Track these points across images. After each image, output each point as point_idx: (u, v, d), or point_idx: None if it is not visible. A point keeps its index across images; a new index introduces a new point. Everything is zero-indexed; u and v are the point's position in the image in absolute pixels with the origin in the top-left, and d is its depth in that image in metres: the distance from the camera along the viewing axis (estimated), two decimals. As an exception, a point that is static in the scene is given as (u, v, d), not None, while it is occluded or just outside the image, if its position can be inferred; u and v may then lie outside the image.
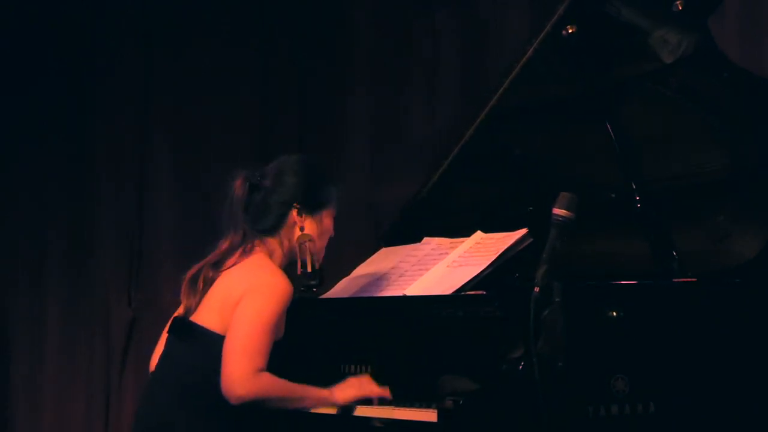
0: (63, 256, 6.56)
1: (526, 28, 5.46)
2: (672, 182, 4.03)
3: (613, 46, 4.03)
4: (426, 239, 4.16)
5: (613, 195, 3.98)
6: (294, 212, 3.78)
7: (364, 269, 4.23)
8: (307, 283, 4.29)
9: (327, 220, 3.83)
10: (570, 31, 3.88)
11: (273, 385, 3.59)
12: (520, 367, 3.30)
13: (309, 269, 3.79)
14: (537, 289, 3.16)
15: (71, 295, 6.54)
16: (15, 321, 6.57)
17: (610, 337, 3.44)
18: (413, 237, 4.23)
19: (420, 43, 6.00)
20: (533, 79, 4.01)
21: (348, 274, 4.26)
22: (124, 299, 6.42)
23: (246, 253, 3.75)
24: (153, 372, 3.80)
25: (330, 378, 3.77)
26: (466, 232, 3.99)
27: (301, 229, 3.78)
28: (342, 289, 4.17)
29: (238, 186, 3.81)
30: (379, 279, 4.06)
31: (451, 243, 4.02)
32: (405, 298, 3.83)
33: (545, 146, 4.30)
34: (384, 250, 4.31)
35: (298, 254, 3.78)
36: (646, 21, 3.95)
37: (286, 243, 3.78)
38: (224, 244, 3.78)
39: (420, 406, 3.49)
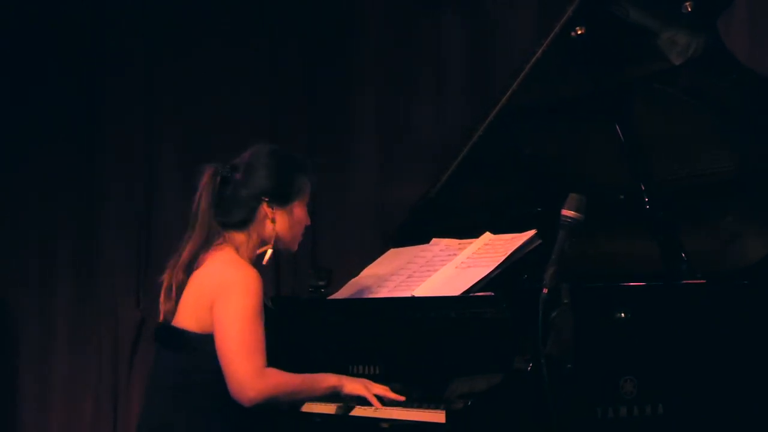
0: (71, 256, 6.57)
1: (533, 28, 5.46)
2: (680, 183, 4.03)
3: (622, 47, 4.03)
4: (434, 240, 4.15)
5: (622, 196, 3.97)
6: (264, 206, 3.72)
7: (372, 270, 4.23)
8: (315, 284, 4.31)
9: (298, 210, 3.76)
10: (579, 32, 3.88)
11: (282, 380, 3.57)
12: (529, 368, 3.30)
13: (267, 262, 3.75)
14: (545, 291, 3.16)
15: (80, 295, 6.55)
16: (24, 321, 6.58)
17: (619, 339, 3.44)
18: (422, 238, 4.23)
19: (427, 43, 6.00)
20: (542, 79, 4.01)
21: (356, 274, 4.26)
22: (132, 300, 6.42)
23: (212, 247, 3.70)
24: (147, 379, 3.81)
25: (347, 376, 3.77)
26: (475, 233, 3.99)
27: (272, 221, 3.72)
28: (350, 289, 4.17)
29: (207, 179, 3.77)
30: (387, 280, 4.06)
31: (459, 244, 4.02)
32: (413, 299, 3.83)
33: (554, 147, 4.30)
34: (392, 251, 4.31)
35: (267, 245, 3.74)
36: (655, 22, 3.95)
37: (254, 236, 3.73)
38: (190, 242, 3.73)
39: (429, 407, 3.49)
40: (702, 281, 3.67)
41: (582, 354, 3.23)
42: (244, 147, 6.16)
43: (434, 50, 5.98)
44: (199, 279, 3.67)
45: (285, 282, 6.21)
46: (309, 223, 3.83)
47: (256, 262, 3.73)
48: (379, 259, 4.29)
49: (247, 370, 3.52)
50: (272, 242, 3.74)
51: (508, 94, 4.06)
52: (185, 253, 3.72)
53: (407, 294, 3.87)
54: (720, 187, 4.02)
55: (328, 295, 4.24)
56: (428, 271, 3.95)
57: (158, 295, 3.78)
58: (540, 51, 3.94)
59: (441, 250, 4.05)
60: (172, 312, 3.70)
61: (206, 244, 3.70)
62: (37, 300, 6.58)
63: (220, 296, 3.59)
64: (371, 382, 3.66)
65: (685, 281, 3.69)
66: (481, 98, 5.64)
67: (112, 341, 6.45)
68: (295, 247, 3.82)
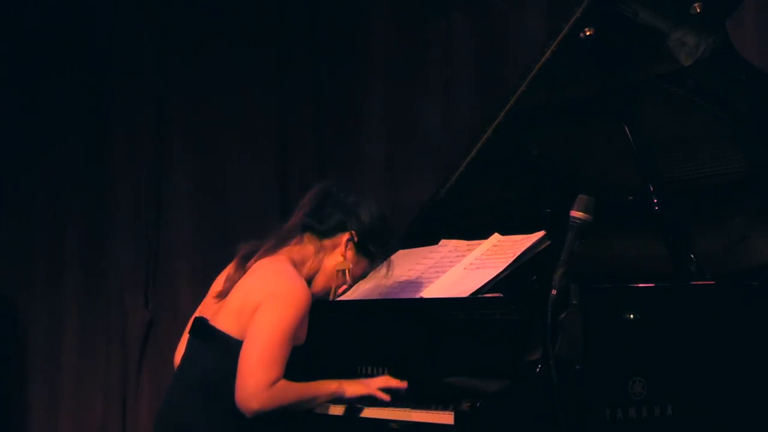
0: (80, 257, 6.57)
1: (541, 28, 5.45)
2: (689, 184, 4.03)
3: (631, 48, 4.02)
4: (443, 241, 4.15)
5: (631, 197, 3.97)
6: (347, 235, 3.79)
7: (380, 271, 4.22)
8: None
9: (360, 267, 3.84)
10: (588, 33, 3.88)
11: (286, 393, 3.58)
12: (538, 369, 3.30)
13: (331, 296, 3.82)
14: (554, 292, 3.15)
15: (88, 296, 6.55)
16: (32, 322, 6.59)
17: (628, 340, 3.44)
18: (430, 239, 4.23)
19: (436, 43, 6.00)
20: (551, 80, 4.01)
21: (365, 276, 4.26)
22: (141, 301, 6.43)
23: (274, 250, 3.74)
24: (175, 373, 3.81)
25: (347, 379, 3.77)
26: (484, 234, 3.99)
27: (343, 255, 3.79)
28: (359, 290, 4.17)
29: (318, 188, 3.84)
30: (396, 281, 4.06)
31: (468, 245, 4.02)
32: (422, 300, 3.83)
33: (562, 148, 4.29)
34: (401, 252, 4.31)
35: (322, 275, 3.79)
36: (664, 23, 3.95)
37: (321, 256, 3.79)
38: (284, 228, 3.80)
39: (437, 408, 3.49)
40: (711, 282, 3.66)
41: (591, 355, 3.22)
42: (254, 150, 6.23)
43: (443, 51, 5.98)
44: (249, 285, 3.69)
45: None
46: (348, 283, 3.85)
47: None
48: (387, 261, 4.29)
49: (257, 382, 3.53)
50: (338, 276, 3.79)
51: (516, 95, 4.05)
52: (278, 234, 3.77)
53: (416, 295, 3.87)
54: (729, 188, 4.02)
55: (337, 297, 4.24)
56: (437, 272, 3.95)
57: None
58: (549, 52, 3.93)
59: (450, 252, 4.05)
60: (228, 290, 3.72)
61: (284, 239, 3.74)
62: (46, 301, 6.58)
63: (265, 304, 3.61)
64: (371, 379, 3.68)
65: (694, 282, 3.69)
66: (490, 99, 5.63)
67: (121, 342, 6.45)
68: (331, 294, 3.85)
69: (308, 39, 6.34)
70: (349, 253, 3.80)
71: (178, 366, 3.81)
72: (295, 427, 3.80)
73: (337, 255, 3.79)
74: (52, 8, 6.52)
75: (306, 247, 3.79)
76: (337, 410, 3.72)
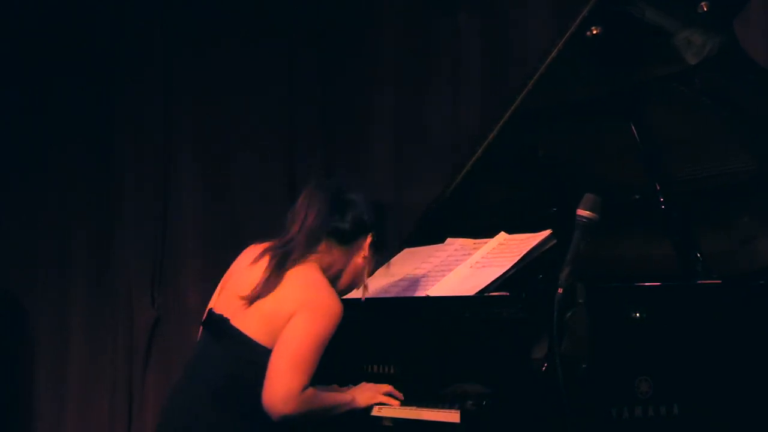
0: (87, 256, 6.58)
1: (549, 28, 5.45)
2: (696, 183, 4.03)
3: (638, 47, 4.02)
4: (449, 240, 4.15)
5: (638, 196, 3.97)
6: (369, 237, 3.80)
7: (386, 270, 4.22)
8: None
9: (374, 263, 3.86)
10: (594, 32, 3.88)
11: (313, 400, 3.58)
12: (544, 368, 3.30)
13: (362, 296, 3.84)
14: (560, 291, 3.15)
15: (95, 295, 6.56)
16: (39, 321, 6.59)
17: (634, 339, 3.43)
18: (436, 238, 4.23)
19: (443, 44, 6.00)
20: (557, 80, 4.00)
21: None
22: (148, 300, 6.43)
23: (304, 257, 3.72)
24: (186, 369, 3.76)
25: (353, 378, 3.78)
26: (490, 233, 3.99)
27: (366, 256, 3.81)
28: (365, 289, 4.16)
29: (320, 200, 3.79)
30: (402, 279, 4.06)
31: (474, 244, 4.02)
32: (428, 298, 3.84)
33: (569, 147, 4.29)
34: (407, 251, 4.31)
35: (348, 275, 3.82)
36: (671, 22, 3.94)
37: (348, 257, 3.80)
38: (307, 231, 3.75)
39: (443, 407, 3.49)
40: (718, 281, 3.66)
41: (597, 354, 3.23)
42: (262, 148, 6.23)
43: (450, 51, 5.98)
44: (283, 293, 3.65)
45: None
46: (358, 284, 3.86)
47: None
48: (393, 259, 4.29)
49: (289, 386, 3.52)
50: (362, 271, 3.81)
51: (522, 94, 4.05)
52: (288, 236, 3.73)
53: (422, 294, 3.87)
54: (736, 187, 4.01)
55: (343, 295, 4.24)
56: (443, 270, 3.95)
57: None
58: (555, 51, 3.93)
59: (456, 250, 4.05)
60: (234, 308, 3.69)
61: (307, 249, 3.72)
62: (53, 299, 6.59)
63: (300, 314, 3.60)
64: (376, 385, 3.70)
65: (700, 281, 3.69)
66: (497, 99, 5.63)
67: (127, 340, 6.46)
68: (345, 291, 3.85)
69: (316, 38, 6.34)
70: (370, 253, 3.82)
71: (192, 364, 3.75)
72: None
73: (360, 256, 3.80)
74: (58, 8, 6.53)
75: (333, 253, 3.77)
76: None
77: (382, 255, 3.91)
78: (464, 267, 3.89)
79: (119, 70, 6.56)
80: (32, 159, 6.61)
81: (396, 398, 3.66)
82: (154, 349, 6.38)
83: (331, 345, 3.73)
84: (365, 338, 3.97)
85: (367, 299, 4.04)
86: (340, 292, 3.78)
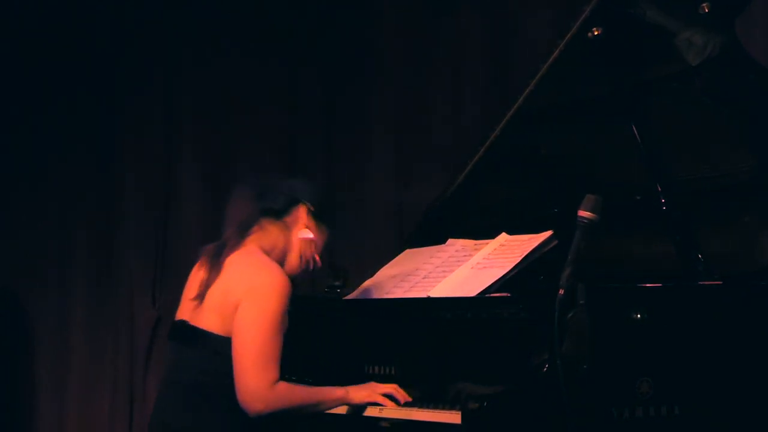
0: (89, 257, 6.59)
1: (552, 28, 5.45)
2: (698, 183, 4.02)
3: (639, 48, 4.02)
4: (450, 241, 4.15)
5: (639, 197, 3.96)
6: (303, 208, 3.84)
7: (388, 270, 4.23)
8: (331, 284, 4.32)
9: (320, 238, 3.88)
10: (596, 33, 3.87)
11: (290, 395, 3.60)
12: (545, 369, 3.30)
13: (309, 266, 3.84)
14: (561, 291, 3.15)
15: (96, 295, 6.57)
16: (41, 321, 6.61)
17: (635, 340, 3.43)
18: (438, 238, 4.23)
19: (445, 43, 6.00)
20: (559, 81, 4.00)
21: (372, 275, 4.26)
22: (148, 299, 6.44)
23: (241, 243, 3.74)
24: (162, 379, 3.81)
25: (354, 379, 3.77)
26: (491, 234, 3.98)
27: (305, 224, 3.83)
28: (366, 290, 4.17)
29: (244, 195, 3.86)
30: (403, 280, 4.06)
31: (475, 245, 4.02)
32: (429, 299, 3.83)
33: (570, 148, 4.29)
34: (408, 252, 4.31)
35: (292, 250, 3.82)
36: (672, 22, 3.94)
37: (286, 233, 3.83)
38: (240, 222, 3.81)
39: (444, 408, 3.49)
40: (719, 282, 3.65)
41: (598, 355, 3.23)
42: (264, 150, 6.23)
43: (452, 51, 5.98)
44: (226, 281, 3.69)
45: (301, 282, 6.21)
46: (319, 264, 3.90)
47: None
48: (395, 260, 4.29)
49: (259, 383, 3.55)
50: (303, 246, 3.82)
51: (524, 94, 4.05)
52: (231, 231, 3.78)
53: (423, 294, 3.87)
54: (738, 187, 4.01)
55: (344, 296, 4.24)
56: (444, 271, 3.95)
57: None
58: (557, 51, 3.93)
59: (457, 251, 4.05)
60: (208, 283, 3.73)
61: (244, 231, 3.75)
62: (55, 300, 6.60)
63: (247, 299, 3.61)
64: (377, 384, 3.69)
65: (701, 282, 3.68)
66: (498, 99, 5.63)
67: (128, 340, 6.47)
68: (298, 271, 3.86)
69: (317, 38, 6.34)
70: (311, 224, 3.84)
71: (165, 372, 3.80)
72: (298, 425, 3.80)
73: (300, 227, 3.82)
74: (61, 15, 6.55)
75: (270, 231, 3.80)
76: (342, 409, 3.72)
77: (325, 225, 3.91)
78: (465, 268, 3.88)
79: (121, 80, 6.59)
80: (34, 161, 6.63)
81: (395, 400, 3.64)
82: (155, 349, 6.39)
83: (331, 345, 3.74)
84: (366, 339, 3.97)
85: (367, 300, 4.05)
86: (293, 271, 3.80)
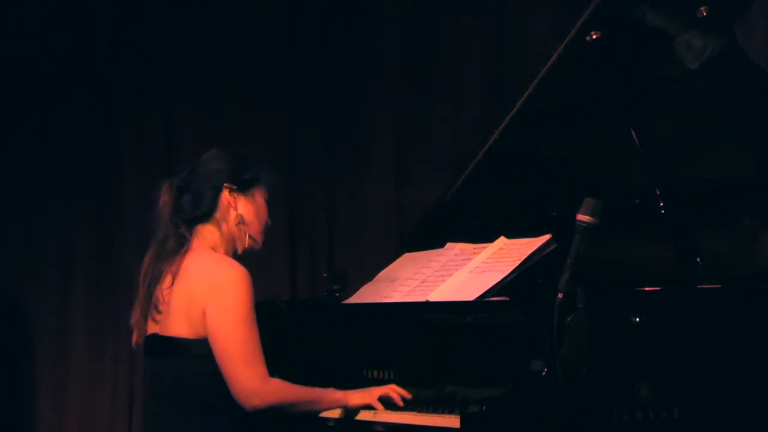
0: (89, 260, 6.60)
1: (552, 31, 5.44)
2: (697, 186, 4.02)
3: (638, 50, 4.01)
4: (449, 244, 4.14)
5: (638, 200, 3.96)
6: (226, 192, 3.73)
7: (386, 274, 4.22)
8: (330, 288, 4.31)
9: (260, 197, 3.79)
10: (594, 36, 3.87)
11: (286, 390, 3.59)
12: (544, 372, 3.29)
13: (240, 249, 3.74)
14: (560, 295, 3.15)
15: (96, 295, 6.58)
16: (41, 321, 6.61)
17: (634, 343, 3.43)
18: (436, 242, 4.22)
19: (445, 46, 5.99)
20: (558, 84, 4.00)
21: (371, 278, 4.25)
22: (149, 302, 6.43)
23: (187, 252, 3.67)
24: (144, 395, 3.78)
25: (353, 382, 3.77)
26: (490, 238, 3.98)
27: (235, 208, 3.73)
28: (364, 294, 4.17)
29: (165, 193, 3.76)
30: (401, 284, 4.05)
31: (474, 248, 4.01)
32: (428, 303, 3.83)
33: (569, 151, 4.28)
34: (406, 255, 4.30)
35: (237, 238, 3.74)
36: (671, 25, 3.93)
37: (224, 227, 3.73)
38: (153, 250, 3.74)
39: (443, 412, 3.48)
40: (717, 285, 3.65)
41: (597, 358, 3.23)
42: (263, 150, 6.21)
43: (452, 53, 5.97)
44: (187, 284, 3.63)
45: (300, 286, 6.22)
46: (269, 221, 3.81)
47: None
48: (393, 264, 4.29)
49: (250, 377, 3.53)
50: (242, 229, 3.73)
51: (523, 97, 4.05)
52: (148, 259, 3.72)
53: (421, 299, 3.87)
54: (738, 190, 4.01)
55: (343, 299, 4.24)
56: (442, 275, 3.94)
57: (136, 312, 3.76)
58: (555, 55, 3.93)
59: (455, 255, 4.04)
60: (159, 319, 3.69)
61: (174, 251, 3.68)
62: (55, 304, 6.60)
63: (213, 299, 3.57)
64: (375, 388, 3.67)
65: (700, 286, 3.68)
66: (498, 102, 5.63)
67: (128, 342, 6.45)
68: (260, 243, 3.79)
69: (318, 39, 6.33)
70: (240, 200, 3.75)
71: (145, 390, 3.77)
72: (282, 425, 3.79)
73: (232, 214, 3.73)
74: (61, 16, 6.56)
75: (207, 231, 3.72)
76: (336, 413, 3.71)
77: (262, 187, 3.80)
78: (464, 272, 3.88)
79: (122, 78, 6.60)
80: (35, 162, 6.64)
81: (392, 403, 3.63)
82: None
83: (330, 349, 3.73)
84: (365, 343, 3.96)
85: (366, 304, 4.05)
86: (254, 245, 3.76)
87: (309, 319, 4.14)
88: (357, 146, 6.22)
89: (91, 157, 6.63)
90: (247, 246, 3.76)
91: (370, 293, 4.13)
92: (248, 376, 3.53)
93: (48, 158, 6.64)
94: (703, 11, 3.87)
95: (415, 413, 3.56)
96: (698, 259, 3.72)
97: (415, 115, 6.08)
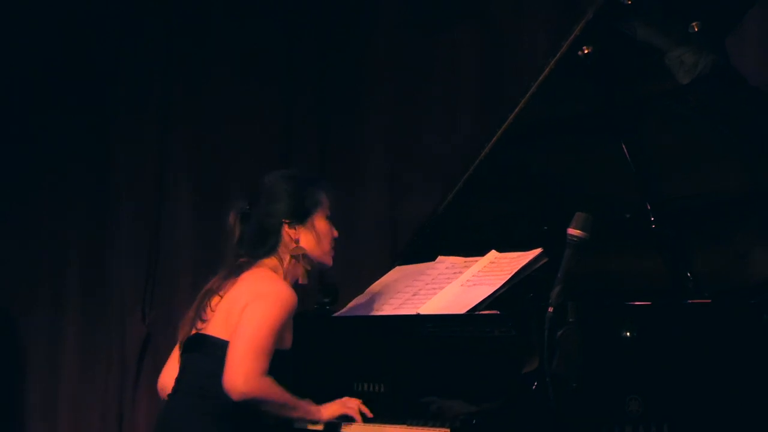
0: (80, 273, 6.59)
1: (545, 46, 5.45)
2: (689, 200, 4.02)
3: (630, 65, 4.02)
4: (440, 258, 4.15)
5: (628, 215, 3.96)
6: (285, 227, 3.84)
7: (377, 287, 4.22)
8: (321, 301, 4.31)
9: (320, 223, 3.90)
10: (586, 51, 3.88)
11: (273, 390, 3.65)
12: (534, 386, 3.29)
13: (304, 281, 3.86)
14: (551, 309, 3.15)
15: (88, 311, 6.57)
16: (33, 337, 6.61)
17: (625, 358, 3.43)
18: (428, 255, 4.22)
19: (439, 60, 6.00)
20: (550, 98, 4.01)
21: (362, 292, 4.25)
22: (139, 316, 6.43)
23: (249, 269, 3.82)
24: (173, 387, 3.83)
25: (342, 395, 3.77)
26: (481, 251, 3.98)
27: (296, 242, 3.84)
28: (355, 307, 4.17)
29: (231, 220, 3.90)
30: (392, 297, 4.05)
31: (465, 262, 4.01)
32: (418, 316, 3.83)
33: (561, 165, 4.29)
34: (397, 269, 4.30)
35: (299, 274, 3.87)
36: (663, 41, 3.94)
37: (286, 259, 3.85)
38: (223, 272, 3.86)
39: (434, 425, 3.48)
40: (708, 300, 3.65)
41: (588, 372, 3.22)
42: (256, 165, 6.22)
43: (446, 68, 5.98)
44: (235, 291, 3.76)
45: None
46: (336, 234, 3.96)
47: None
48: (384, 277, 4.29)
49: (248, 367, 3.61)
50: (302, 261, 3.85)
51: (514, 112, 4.06)
52: (217, 278, 3.84)
53: (412, 312, 3.87)
54: (729, 204, 4.01)
55: (334, 312, 4.23)
56: (433, 288, 3.94)
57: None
58: (547, 70, 3.94)
59: (446, 268, 4.04)
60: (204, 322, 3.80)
61: (237, 274, 3.81)
62: (47, 317, 6.60)
63: (252, 302, 3.69)
64: (349, 399, 3.73)
65: (690, 300, 3.68)
66: (493, 115, 5.62)
67: (119, 357, 6.46)
68: (329, 261, 3.94)
69: (312, 53, 6.33)
70: (301, 232, 3.86)
71: (175, 380, 3.83)
72: None
73: (292, 246, 3.85)
74: (57, 24, 6.56)
75: (269, 264, 3.85)
76: (320, 427, 3.73)
77: (323, 210, 3.92)
78: (455, 285, 3.88)
79: (115, 90, 6.59)
80: (26, 176, 6.63)
81: (363, 414, 3.68)
82: (145, 364, 6.39)
83: (320, 362, 3.73)
84: (355, 356, 3.96)
85: (357, 317, 4.05)
86: (324, 261, 3.91)
87: (299, 331, 4.13)
88: (351, 161, 6.21)
89: (83, 172, 6.62)
90: (321, 262, 3.91)
91: (360, 306, 4.13)
92: (249, 365, 3.60)
93: (40, 173, 6.64)
94: (695, 27, 3.89)
95: (405, 426, 3.56)
96: (689, 274, 3.72)
97: (409, 129, 6.08)
